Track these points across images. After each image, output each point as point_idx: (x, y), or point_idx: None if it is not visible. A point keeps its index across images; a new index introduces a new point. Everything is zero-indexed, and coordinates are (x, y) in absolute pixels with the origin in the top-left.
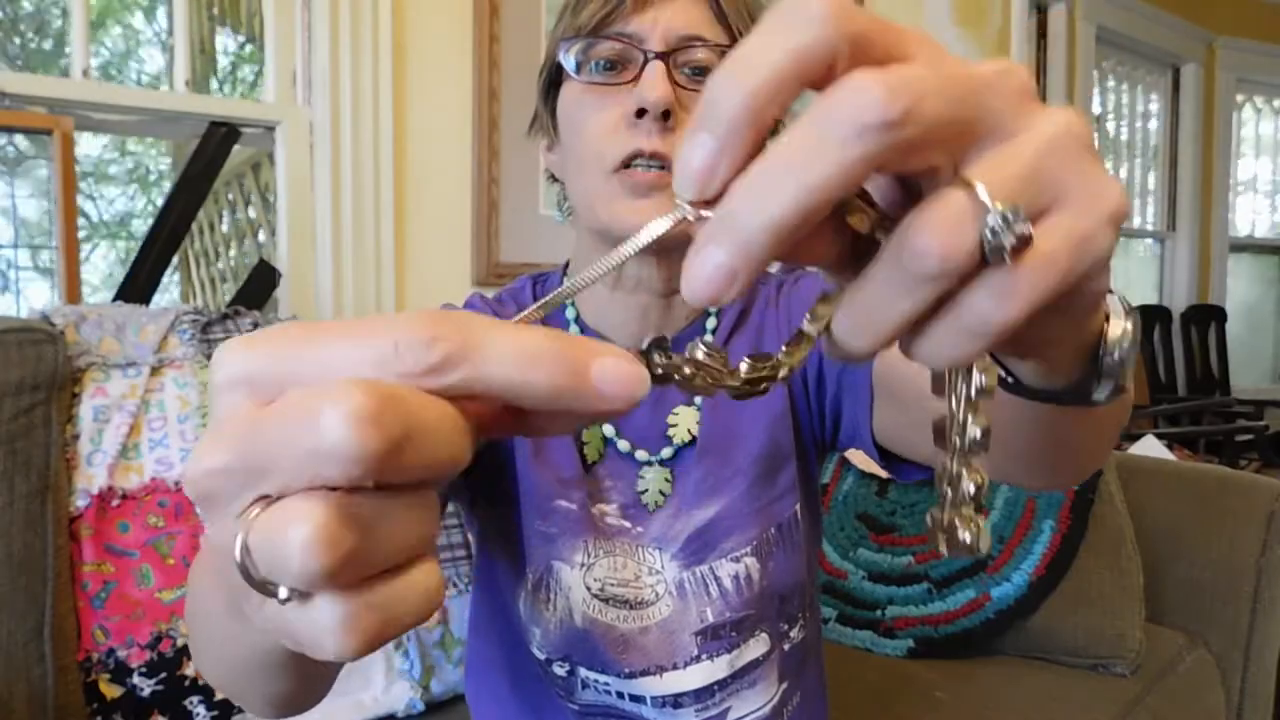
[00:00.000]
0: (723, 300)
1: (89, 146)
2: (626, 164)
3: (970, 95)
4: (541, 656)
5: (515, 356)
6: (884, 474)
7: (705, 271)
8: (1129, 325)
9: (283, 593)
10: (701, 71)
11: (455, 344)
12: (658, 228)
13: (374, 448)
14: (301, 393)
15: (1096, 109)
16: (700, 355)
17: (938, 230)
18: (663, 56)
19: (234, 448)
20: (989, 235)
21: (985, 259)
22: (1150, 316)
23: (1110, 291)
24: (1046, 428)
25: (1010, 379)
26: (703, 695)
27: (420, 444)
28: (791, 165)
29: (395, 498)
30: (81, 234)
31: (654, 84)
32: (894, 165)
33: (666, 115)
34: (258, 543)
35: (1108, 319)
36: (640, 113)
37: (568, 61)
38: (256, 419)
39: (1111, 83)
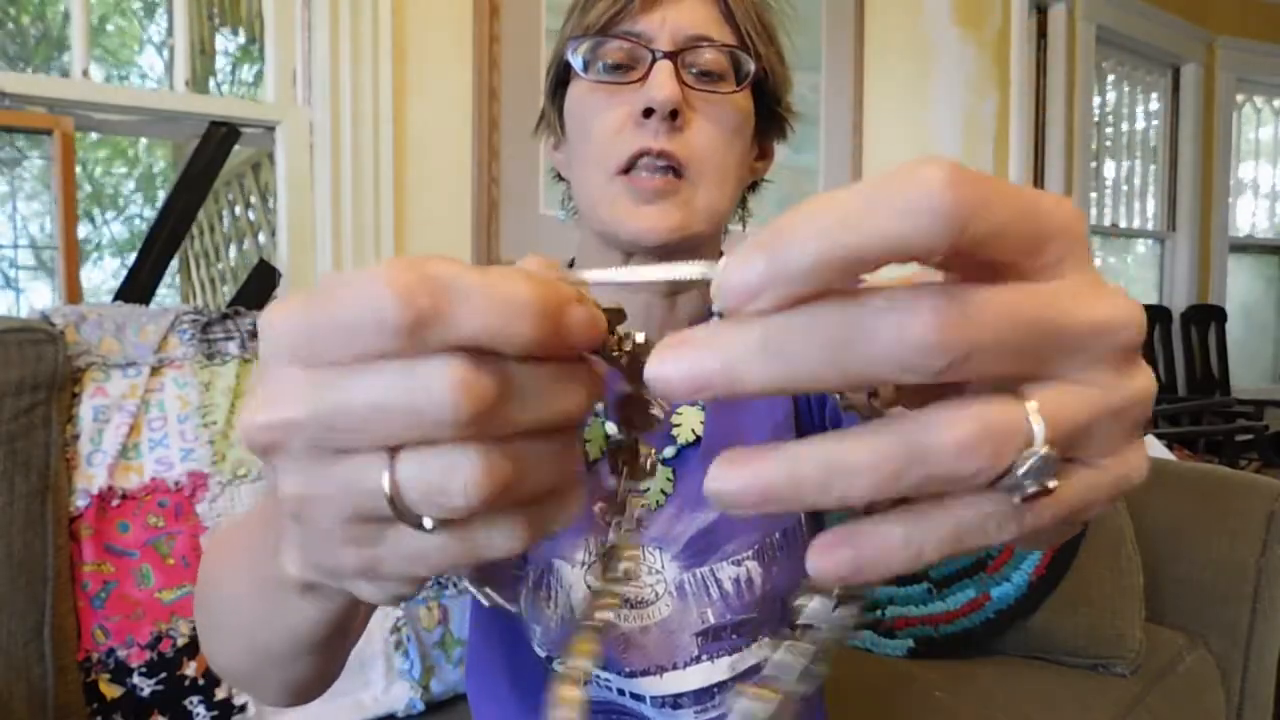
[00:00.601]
0: (697, 394)
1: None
2: (632, 164)
3: (1075, 343)
4: (542, 654)
5: (493, 305)
6: None
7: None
8: None
9: (429, 523)
10: (709, 72)
11: (428, 301)
12: (683, 271)
13: (472, 411)
14: (394, 365)
15: (1096, 109)
16: (634, 342)
17: (980, 443)
18: (670, 56)
19: (309, 404)
20: (1018, 471)
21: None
22: (1150, 316)
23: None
24: None
25: None
26: (702, 697)
27: (525, 402)
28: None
29: (534, 440)
30: (89, 246)
31: (662, 84)
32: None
33: (674, 115)
34: (412, 482)
35: None
36: (648, 112)
37: (575, 60)
38: (331, 384)
39: (1111, 82)
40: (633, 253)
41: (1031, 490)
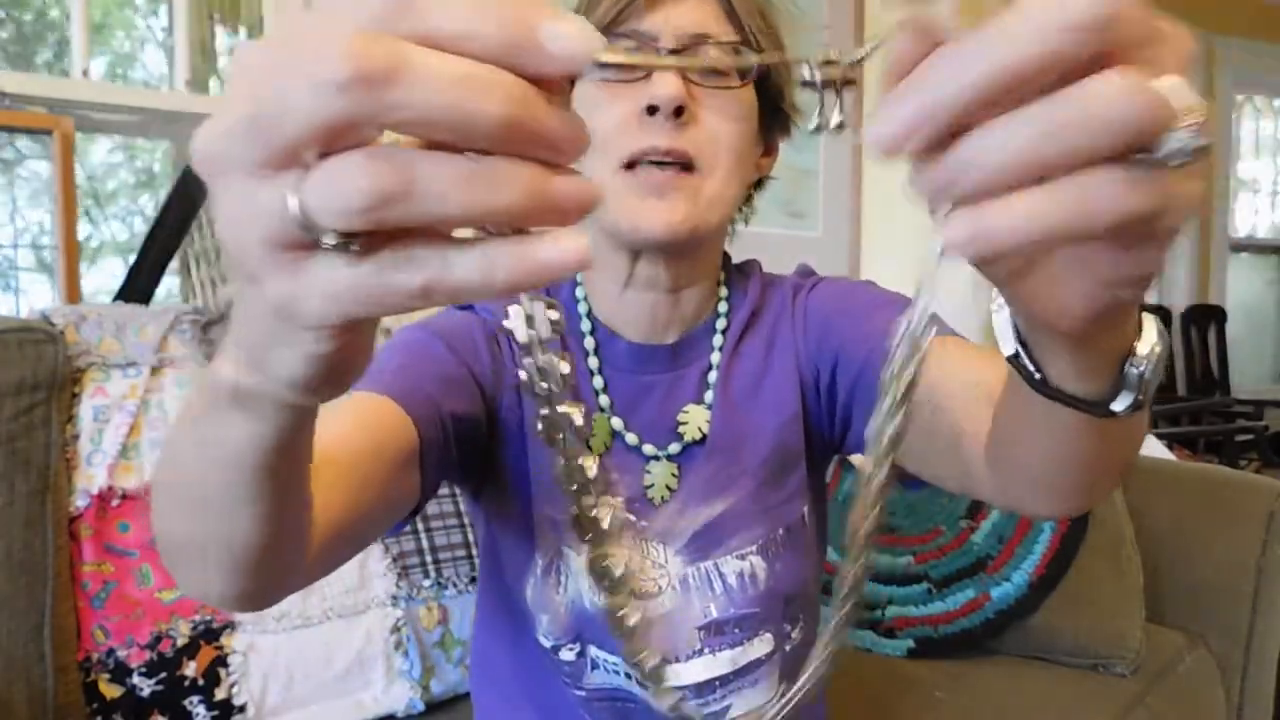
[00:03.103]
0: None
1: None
2: (636, 161)
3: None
4: (548, 644)
5: (465, 5)
6: None
7: (882, 126)
8: (1158, 347)
9: (330, 239)
10: (712, 69)
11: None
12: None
13: (358, 73)
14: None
15: None
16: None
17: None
18: (674, 54)
19: (245, 104)
20: (1173, 135)
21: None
22: None
23: (1151, 313)
24: (1060, 437)
25: (1039, 375)
26: (703, 690)
27: (412, 81)
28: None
29: (439, 158)
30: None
31: (665, 81)
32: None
33: (679, 112)
34: (313, 191)
35: (1140, 335)
36: (651, 110)
37: None
38: (260, 74)
39: None
40: (640, 250)
41: (1195, 146)
